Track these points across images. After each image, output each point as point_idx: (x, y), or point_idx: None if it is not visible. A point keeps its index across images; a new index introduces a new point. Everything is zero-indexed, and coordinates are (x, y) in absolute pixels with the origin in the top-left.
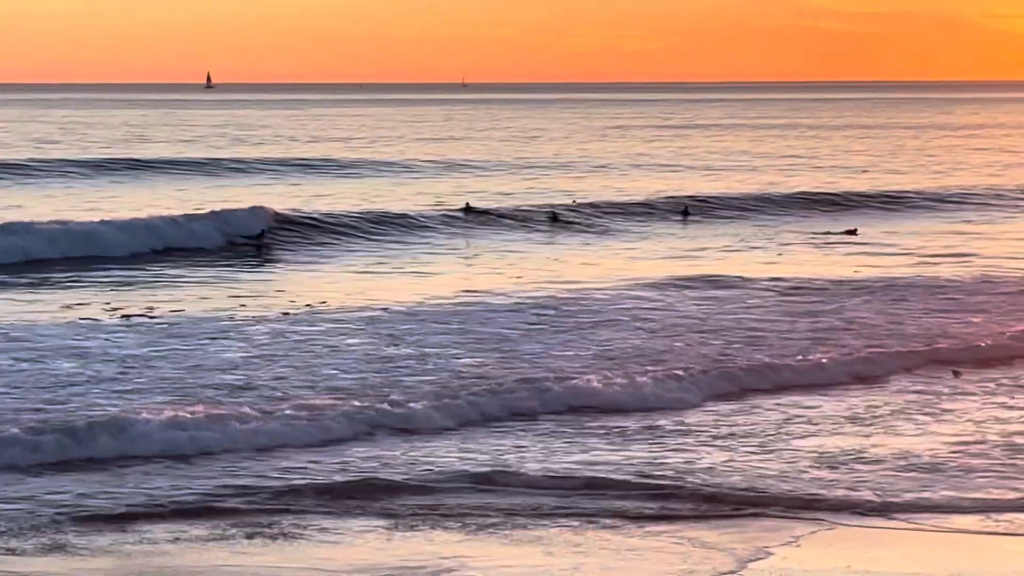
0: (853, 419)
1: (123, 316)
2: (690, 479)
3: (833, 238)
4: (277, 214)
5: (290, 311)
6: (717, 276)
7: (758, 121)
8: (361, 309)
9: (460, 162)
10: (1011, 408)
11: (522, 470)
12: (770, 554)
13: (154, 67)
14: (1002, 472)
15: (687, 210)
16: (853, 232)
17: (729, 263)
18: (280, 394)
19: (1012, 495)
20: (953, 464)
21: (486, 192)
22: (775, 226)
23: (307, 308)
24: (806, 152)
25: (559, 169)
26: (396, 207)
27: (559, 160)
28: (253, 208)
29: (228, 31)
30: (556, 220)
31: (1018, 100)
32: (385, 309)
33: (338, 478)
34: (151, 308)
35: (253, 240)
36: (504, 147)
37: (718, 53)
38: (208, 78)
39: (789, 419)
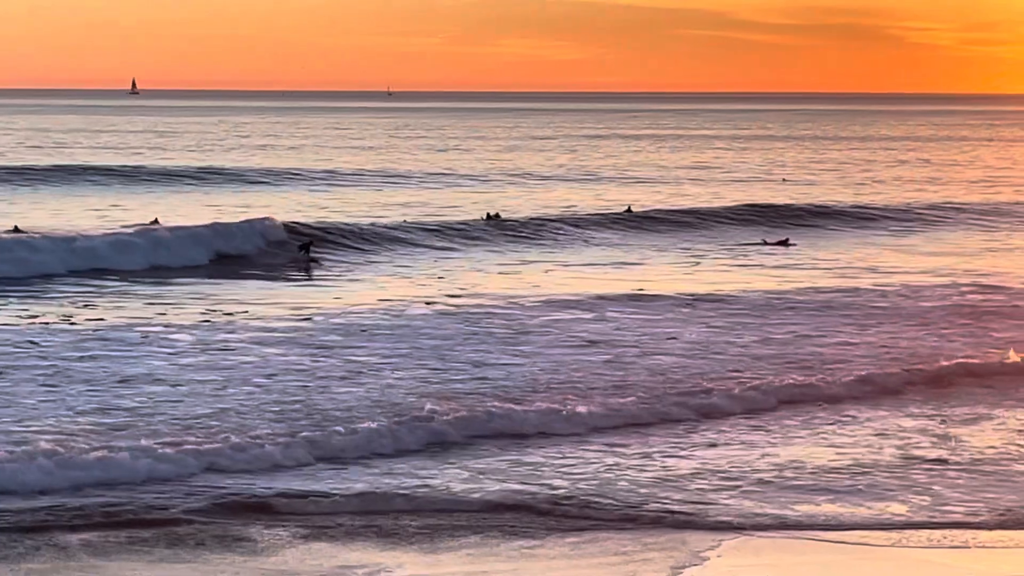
0: (751, 443)
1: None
2: (610, 498)
3: (767, 248)
4: (286, 225)
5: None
6: (641, 292)
7: (679, 131)
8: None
9: (374, 172)
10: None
11: (446, 488)
12: (694, 565)
13: (78, 72)
14: (905, 487)
15: (629, 208)
16: (786, 242)
17: (655, 277)
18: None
19: (918, 510)
20: (860, 480)
21: (400, 204)
22: (708, 239)
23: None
24: (728, 164)
25: (478, 181)
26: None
27: (484, 170)
28: (255, 220)
29: (154, 37)
30: (493, 218)
31: (935, 112)
32: (308, 318)
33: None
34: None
35: (300, 253)
36: (427, 157)
37: (644, 64)
38: (133, 84)
39: (696, 443)
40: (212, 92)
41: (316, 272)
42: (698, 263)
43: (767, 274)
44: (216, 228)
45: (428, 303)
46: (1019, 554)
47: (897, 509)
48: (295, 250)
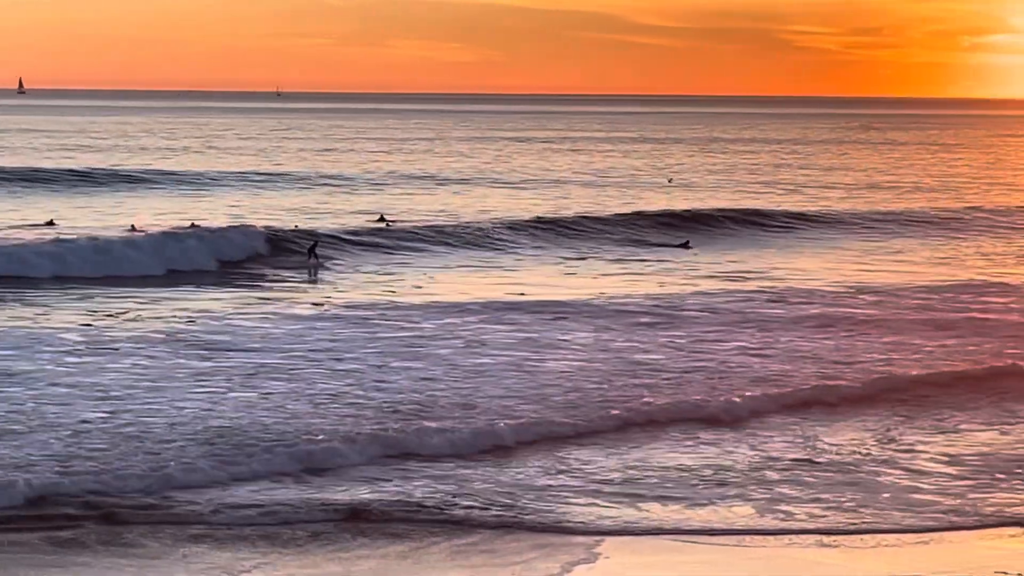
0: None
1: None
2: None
3: (666, 252)
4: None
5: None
6: (533, 300)
7: (570, 134)
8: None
9: (259, 174)
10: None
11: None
12: (583, 562)
13: None
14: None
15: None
16: (686, 244)
17: (539, 281)
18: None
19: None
20: (744, 484)
21: (288, 208)
22: (599, 244)
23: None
24: (616, 166)
25: (366, 184)
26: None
27: (370, 172)
28: (241, 227)
29: (41, 36)
30: (381, 221)
31: (822, 116)
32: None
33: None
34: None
35: (307, 257)
36: (313, 158)
37: (537, 66)
38: (20, 83)
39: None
40: (101, 92)
41: (320, 274)
42: (576, 267)
43: (656, 278)
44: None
45: (316, 304)
46: (880, 552)
47: (769, 510)
48: (304, 252)
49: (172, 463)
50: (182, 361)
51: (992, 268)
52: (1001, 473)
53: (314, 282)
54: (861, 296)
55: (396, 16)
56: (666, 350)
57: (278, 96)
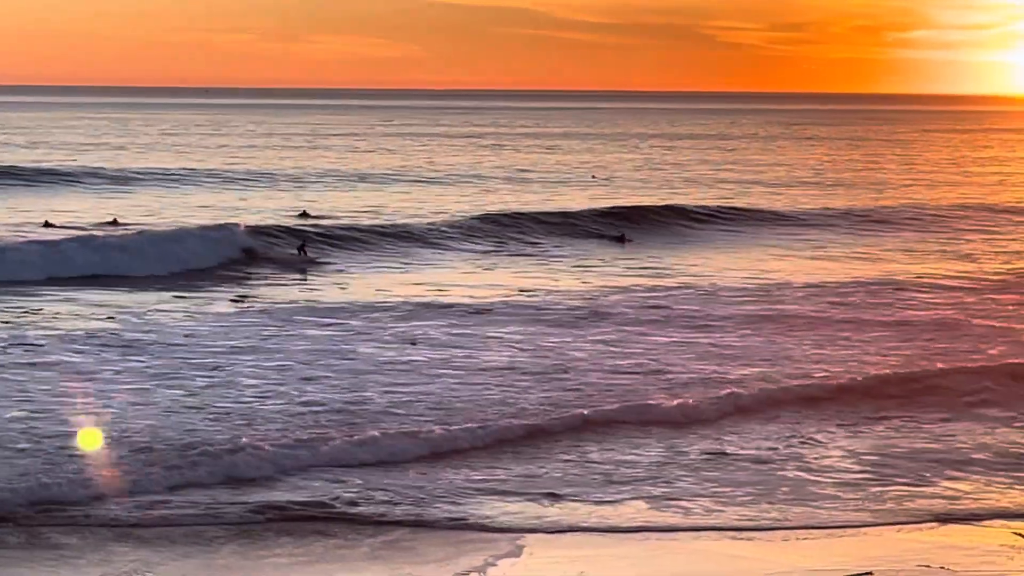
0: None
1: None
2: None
3: (599, 251)
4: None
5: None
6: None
7: (495, 130)
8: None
9: (180, 171)
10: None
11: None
12: (499, 559)
13: None
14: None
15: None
16: (622, 239)
17: (461, 281)
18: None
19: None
20: (664, 482)
21: (207, 205)
22: (539, 239)
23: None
24: (538, 162)
25: (289, 180)
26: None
27: (293, 168)
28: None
29: None
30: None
31: (746, 111)
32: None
33: None
34: None
35: (297, 254)
36: (235, 155)
37: (462, 61)
38: None
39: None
40: (19, 88)
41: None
42: (505, 264)
43: (588, 275)
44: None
45: (235, 300)
46: (799, 546)
47: (681, 507)
48: (294, 250)
49: (89, 467)
50: (108, 358)
51: (913, 264)
52: (913, 472)
53: (304, 279)
54: (788, 293)
55: (317, 12)
56: (592, 348)
57: (203, 92)
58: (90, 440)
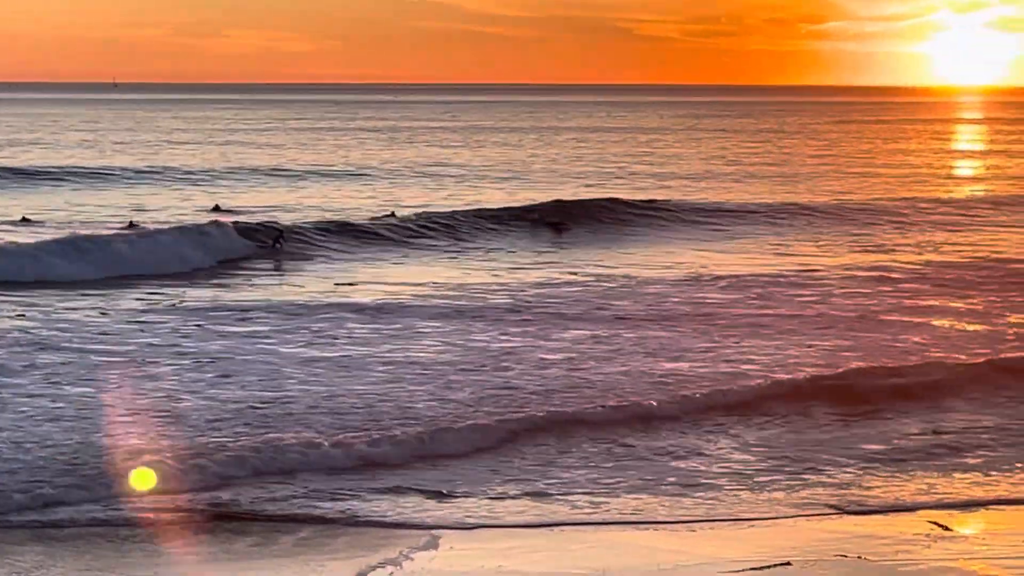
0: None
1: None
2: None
3: (534, 244)
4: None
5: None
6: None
7: (410, 124)
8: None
9: (90, 169)
10: None
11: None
12: (415, 552)
13: None
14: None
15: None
16: (558, 226)
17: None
18: None
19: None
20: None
21: (119, 204)
22: (464, 235)
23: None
24: (459, 156)
25: (203, 176)
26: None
27: (209, 165)
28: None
29: None
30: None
31: (668, 104)
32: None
33: None
34: None
35: (273, 246)
36: (149, 151)
37: (378, 56)
38: None
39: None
40: None
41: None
42: (427, 262)
43: (512, 272)
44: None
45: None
46: (717, 536)
47: (584, 501)
48: (268, 243)
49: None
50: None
51: (826, 256)
52: (827, 463)
53: (280, 274)
54: (707, 287)
55: (232, 6)
56: (515, 344)
57: (115, 87)
58: None
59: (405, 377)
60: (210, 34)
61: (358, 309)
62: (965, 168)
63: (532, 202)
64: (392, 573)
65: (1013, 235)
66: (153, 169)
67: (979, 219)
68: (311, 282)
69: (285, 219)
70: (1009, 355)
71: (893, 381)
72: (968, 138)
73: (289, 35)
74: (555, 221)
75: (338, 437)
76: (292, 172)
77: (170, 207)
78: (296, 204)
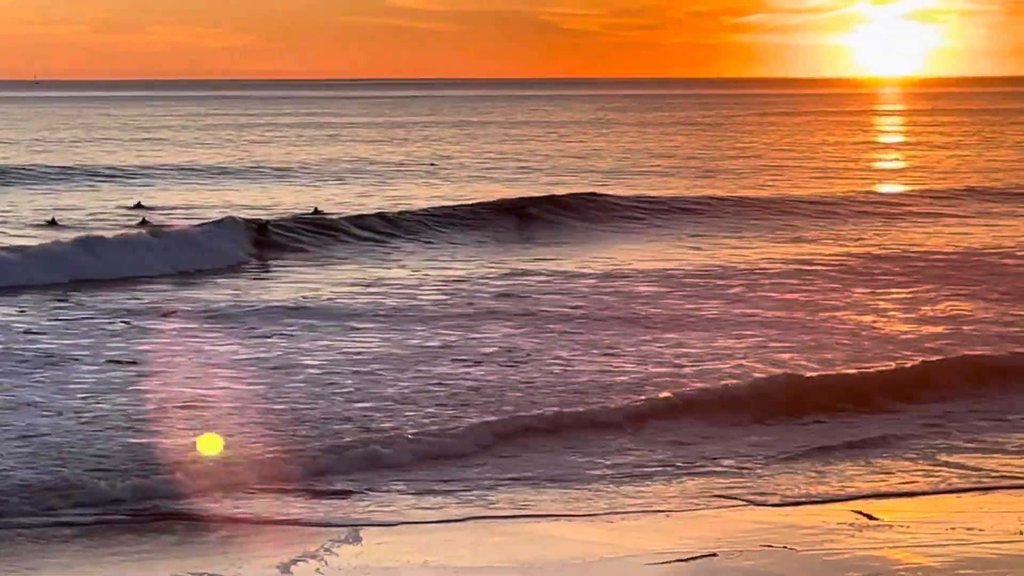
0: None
1: None
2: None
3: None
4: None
5: None
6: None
7: (331, 120)
8: None
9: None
10: None
11: None
12: (338, 544)
13: None
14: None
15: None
16: (529, 214)
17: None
18: None
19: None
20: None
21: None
22: (394, 235)
23: None
24: (379, 153)
25: (124, 175)
26: None
27: (131, 163)
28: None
29: None
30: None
31: (591, 97)
32: None
33: None
34: None
35: (256, 234)
36: (70, 149)
37: (300, 51)
38: None
39: None
40: None
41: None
42: (356, 264)
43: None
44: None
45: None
46: (639, 527)
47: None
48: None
49: None
50: None
51: (745, 250)
52: (747, 457)
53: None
54: (635, 284)
55: (153, 2)
56: (439, 346)
57: (36, 84)
58: None
59: (333, 378)
60: (132, 30)
61: (287, 310)
62: (886, 161)
63: (462, 200)
64: (318, 569)
65: (935, 227)
66: (73, 167)
67: (900, 211)
68: (239, 283)
69: (209, 217)
70: (934, 343)
71: (818, 379)
72: (888, 130)
73: (211, 31)
74: (528, 213)
75: (260, 438)
76: (215, 169)
77: (90, 206)
78: (220, 203)
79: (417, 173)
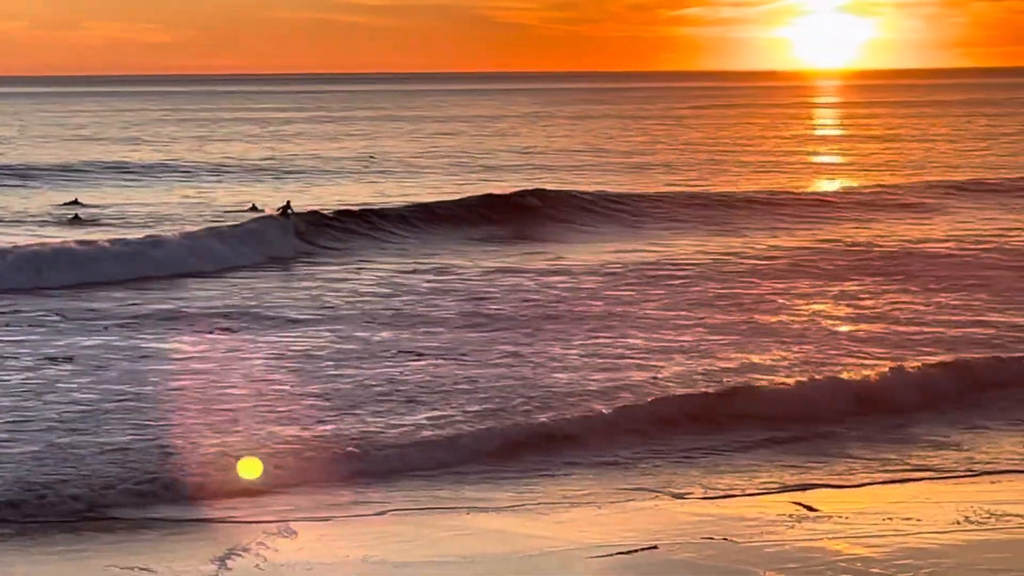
0: None
1: None
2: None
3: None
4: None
5: None
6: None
7: (267, 115)
8: None
9: None
10: None
11: None
12: (272, 536)
13: None
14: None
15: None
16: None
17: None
18: None
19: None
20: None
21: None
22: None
23: None
24: (316, 149)
25: (59, 174)
26: None
27: (69, 161)
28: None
29: None
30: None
31: (526, 91)
32: None
33: None
34: None
35: (283, 216)
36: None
37: (237, 46)
38: None
39: None
40: None
41: None
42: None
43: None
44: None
45: None
46: (579, 521)
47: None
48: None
49: None
50: None
51: (687, 246)
52: (673, 452)
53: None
54: (573, 281)
55: None
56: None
57: None
58: None
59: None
60: (68, 26)
61: (226, 314)
62: (823, 154)
63: (406, 198)
64: (258, 565)
65: (869, 221)
66: (6, 166)
67: (838, 205)
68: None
69: (145, 214)
70: (872, 339)
71: (750, 389)
72: (825, 122)
73: (147, 26)
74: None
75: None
76: (152, 167)
77: (16, 206)
78: (159, 201)
79: (354, 169)
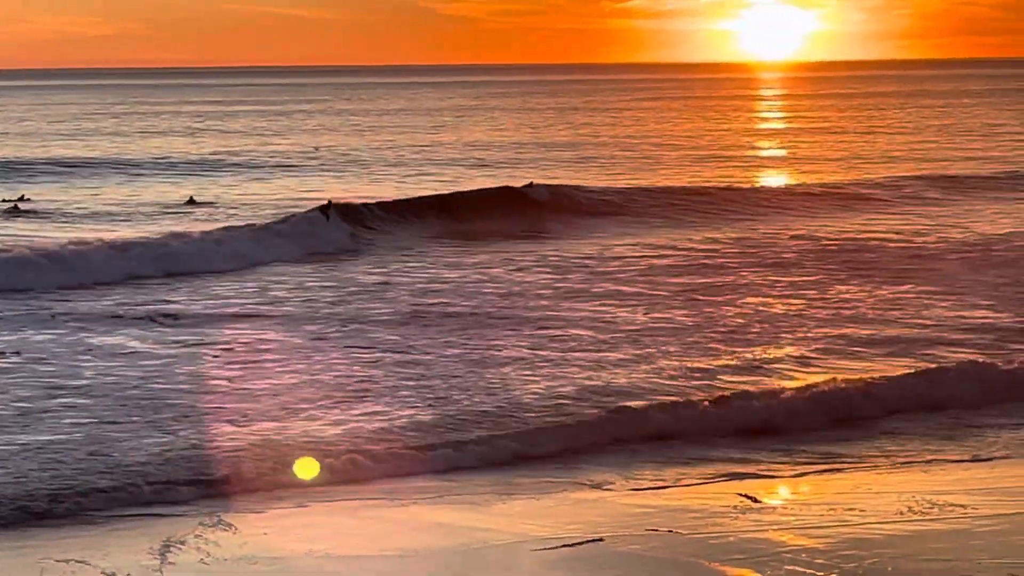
0: None
1: None
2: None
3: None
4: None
5: None
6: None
7: (213, 108)
8: None
9: None
10: None
11: None
12: (206, 538)
13: None
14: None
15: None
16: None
17: None
18: None
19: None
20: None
21: None
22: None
23: None
24: (262, 144)
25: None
26: None
27: (12, 157)
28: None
29: None
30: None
31: (473, 84)
32: None
33: None
34: None
35: (323, 215)
36: None
37: (181, 39)
38: None
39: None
40: None
41: None
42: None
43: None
44: None
45: None
46: (524, 512)
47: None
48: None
49: None
50: None
51: (637, 239)
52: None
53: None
54: (520, 276)
55: None
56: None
57: None
58: None
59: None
60: (9, 19)
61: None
62: (768, 147)
63: (349, 195)
64: (201, 559)
65: (811, 214)
66: None
67: (786, 198)
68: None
69: (83, 210)
70: (815, 325)
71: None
72: (769, 115)
73: (91, 19)
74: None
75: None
76: (93, 163)
77: None
78: (102, 197)
79: (299, 163)
